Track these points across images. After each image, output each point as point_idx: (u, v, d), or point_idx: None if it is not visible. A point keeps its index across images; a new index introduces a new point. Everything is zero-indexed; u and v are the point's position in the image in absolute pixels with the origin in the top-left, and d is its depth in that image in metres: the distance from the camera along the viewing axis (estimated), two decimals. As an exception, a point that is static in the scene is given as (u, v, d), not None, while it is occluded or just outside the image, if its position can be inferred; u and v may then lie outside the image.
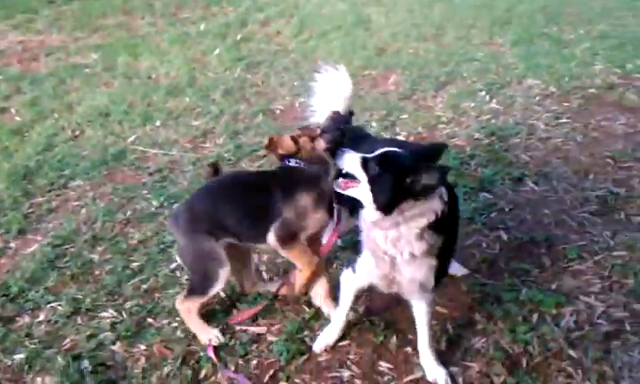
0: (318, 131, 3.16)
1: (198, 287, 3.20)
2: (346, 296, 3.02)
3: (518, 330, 3.03)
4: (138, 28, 7.59)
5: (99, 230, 4.15)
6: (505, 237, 3.83)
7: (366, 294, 3.27)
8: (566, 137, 5.13)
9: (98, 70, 6.55)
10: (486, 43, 7.55)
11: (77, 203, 4.50)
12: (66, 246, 4.00)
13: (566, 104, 5.79)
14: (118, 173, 4.91)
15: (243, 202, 3.17)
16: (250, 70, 6.73)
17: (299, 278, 3.22)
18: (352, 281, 2.93)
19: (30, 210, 4.43)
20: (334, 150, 2.84)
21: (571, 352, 2.89)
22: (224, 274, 3.13)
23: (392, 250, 2.57)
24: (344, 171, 2.61)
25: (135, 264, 3.79)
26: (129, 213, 4.34)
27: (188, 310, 3.22)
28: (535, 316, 3.13)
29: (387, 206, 2.49)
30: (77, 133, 5.47)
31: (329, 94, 3.65)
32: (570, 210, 4.06)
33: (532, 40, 7.55)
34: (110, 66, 6.63)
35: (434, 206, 2.48)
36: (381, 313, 3.24)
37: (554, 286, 3.36)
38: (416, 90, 6.24)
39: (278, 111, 5.90)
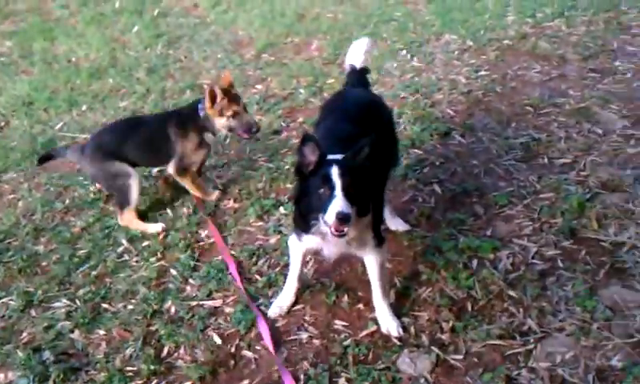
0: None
1: (122, 200, 3.94)
2: (295, 260, 3.16)
3: (461, 277, 3.24)
4: (50, 11, 7.35)
5: (40, 221, 4.13)
6: (438, 190, 4.04)
7: (314, 258, 3.42)
8: (486, 88, 5.37)
9: (14, 57, 6.34)
10: (402, 2, 7.69)
11: (12, 196, 4.45)
12: (8, 240, 3.98)
13: (483, 57, 6.03)
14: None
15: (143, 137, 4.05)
16: (172, 45, 6.68)
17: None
18: (299, 246, 3.04)
19: (-36, 208, 4.34)
20: None
21: (511, 292, 3.11)
22: (135, 182, 3.94)
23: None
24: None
25: (82, 251, 3.82)
26: (67, 201, 4.33)
27: (129, 220, 3.95)
28: (475, 262, 3.35)
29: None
30: (2, 124, 5.34)
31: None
32: (497, 159, 4.30)
33: (446, -5, 7.76)
34: (26, 52, 6.43)
35: None
36: (330, 274, 3.39)
37: (488, 232, 3.59)
38: (339, 53, 6.33)
39: (205, 85, 5.87)
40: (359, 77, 3.66)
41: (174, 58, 6.38)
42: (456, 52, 6.18)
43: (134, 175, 3.97)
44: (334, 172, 2.52)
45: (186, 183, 4.13)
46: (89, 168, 4.06)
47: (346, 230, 2.52)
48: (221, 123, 4.01)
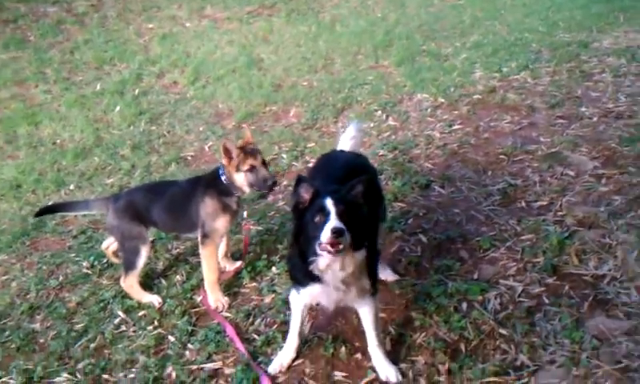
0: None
1: (130, 263, 3.95)
2: (296, 315, 3.25)
3: (452, 320, 3.35)
4: (33, 97, 7.49)
5: (34, 300, 4.16)
6: (424, 239, 4.19)
7: (311, 312, 3.51)
8: (460, 141, 5.59)
9: (0, 143, 6.44)
10: (373, 67, 7.99)
11: (5, 277, 4.47)
12: (4, 321, 3.99)
13: (455, 112, 6.28)
14: (41, 241, 4.90)
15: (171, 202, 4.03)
16: (154, 121, 6.83)
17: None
18: (299, 299, 3.15)
19: (-41, 292, 4.37)
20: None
21: (502, 330, 3.24)
22: (146, 250, 3.97)
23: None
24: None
25: (79, 326, 3.85)
26: (61, 278, 4.37)
27: (130, 285, 3.97)
28: (465, 304, 3.48)
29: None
30: (-9, 208, 5.40)
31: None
32: (477, 206, 4.48)
33: (414, 58, 8.06)
34: (11, 138, 6.53)
35: None
36: (326, 328, 3.48)
37: (475, 276, 3.73)
38: (317, 118, 6.55)
39: (189, 157, 6.04)
40: None
41: (158, 134, 6.54)
42: (429, 109, 6.43)
43: (147, 243, 4.01)
44: (328, 201, 2.70)
45: (204, 255, 3.92)
46: (111, 220, 4.03)
47: (341, 246, 2.63)
48: (239, 180, 3.85)
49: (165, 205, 4.02)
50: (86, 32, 9.45)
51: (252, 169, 3.82)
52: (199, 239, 3.93)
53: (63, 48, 8.89)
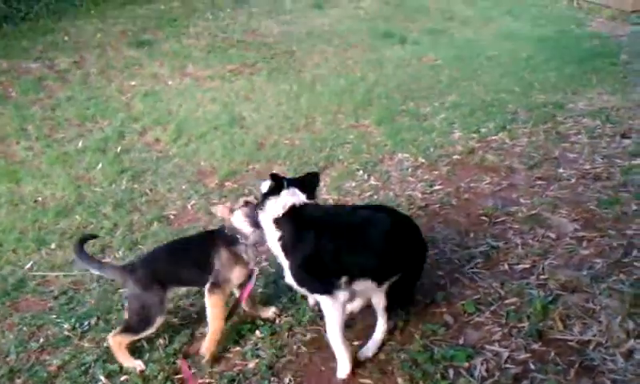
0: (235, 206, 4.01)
1: (134, 327, 3.90)
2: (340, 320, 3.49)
3: (439, 387, 3.36)
4: (14, 154, 7.46)
5: (14, 363, 4.08)
6: (409, 302, 4.20)
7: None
8: (442, 202, 5.66)
9: (-20, 201, 6.39)
10: (353, 126, 8.09)
11: (-15, 340, 4.39)
12: (-18, 385, 3.91)
13: (435, 172, 6.37)
14: (21, 302, 4.82)
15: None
16: (136, 179, 6.82)
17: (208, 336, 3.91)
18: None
19: (-64, 356, 4.27)
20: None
21: (489, 398, 3.25)
22: (160, 320, 3.93)
23: None
24: None
25: (59, 390, 3.79)
26: (42, 340, 4.28)
27: (119, 343, 3.88)
28: (451, 371, 3.50)
29: None
30: (-29, 268, 5.32)
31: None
32: (460, 268, 4.52)
33: (394, 118, 8.19)
34: (-9, 195, 6.50)
35: None
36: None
37: (461, 341, 3.75)
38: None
39: (171, 216, 6.03)
40: None
41: (140, 192, 6.52)
42: (409, 169, 6.51)
43: (164, 312, 3.97)
44: None
45: (210, 305, 3.91)
46: (132, 290, 3.95)
47: None
48: (237, 221, 3.93)
49: (187, 263, 4.06)
50: (68, 89, 9.48)
51: (246, 204, 3.94)
52: (207, 287, 3.93)
53: (45, 105, 8.91)
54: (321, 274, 3.43)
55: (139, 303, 3.91)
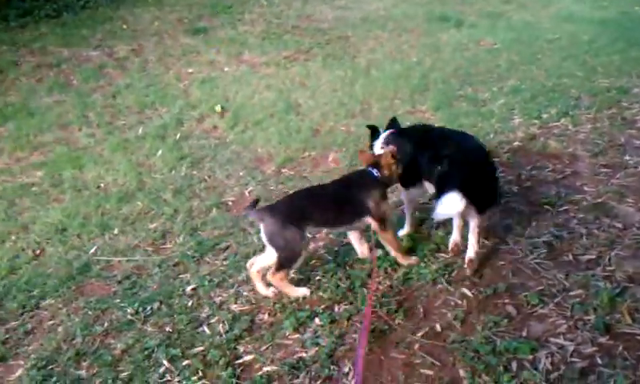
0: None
1: (285, 263, 4.27)
2: None
3: (502, 380, 3.31)
4: (77, 140, 7.66)
5: (80, 346, 4.20)
6: (469, 293, 4.13)
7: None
8: (502, 190, 5.54)
9: (45, 187, 6.57)
10: (410, 112, 7.99)
11: (52, 322, 4.53)
12: (51, 367, 4.03)
13: (496, 159, 6.24)
14: (86, 286, 4.97)
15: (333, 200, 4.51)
16: (195, 166, 6.93)
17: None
18: None
19: (7, 336, 4.42)
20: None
21: (554, 392, 3.18)
22: (305, 252, 4.36)
23: None
24: None
25: (124, 374, 3.87)
26: (106, 324, 4.40)
27: (280, 279, 4.30)
28: (514, 364, 3.42)
29: None
30: (38, 252, 5.49)
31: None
32: (523, 259, 4.42)
33: (451, 103, 8.06)
34: (56, 181, 6.67)
35: None
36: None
37: (524, 333, 3.67)
38: (355, 164, 6.55)
39: (230, 202, 6.10)
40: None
41: (199, 178, 6.62)
42: (469, 156, 6.39)
43: (307, 244, 4.48)
44: None
45: (388, 240, 4.54)
46: (272, 229, 4.28)
47: None
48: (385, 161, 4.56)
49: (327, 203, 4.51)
50: (127, 76, 9.67)
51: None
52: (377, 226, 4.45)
53: (105, 92, 9.11)
54: None
55: (283, 240, 4.25)
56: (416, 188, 4.81)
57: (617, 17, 11.56)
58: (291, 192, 5.25)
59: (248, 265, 4.54)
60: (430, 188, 4.61)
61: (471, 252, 4.33)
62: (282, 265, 4.27)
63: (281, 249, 4.25)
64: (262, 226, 4.30)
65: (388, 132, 5.16)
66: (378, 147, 4.98)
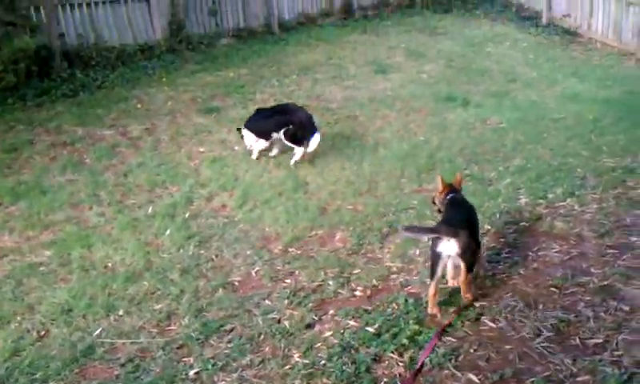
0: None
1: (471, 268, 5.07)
2: None
3: None
4: (87, 219, 7.74)
5: (80, 435, 4.16)
6: (476, 379, 4.10)
7: None
8: (509, 271, 5.55)
9: (53, 266, 6.59)
10: (417, 190, 8.06)
11: (54, 407, 4.50)
12: None
13: (502, 239, 6.26)
14: (89, 368, 4.93)
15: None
16: (203, 245, 6.96)
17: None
18: None
19: (8, 421, 4.40)
20: None
21: None
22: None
23: None
24: None
25: None
26: (110, 408, 4.38)
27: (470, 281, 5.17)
28: None
29: None
30: (42, 333, 5.47)
31: None
32: (529, 342, 4.39)
33: (458, 182, 8.11)
34: (64, 261, 6.70)
35: None
36: None
37: (532, 421, 3.61)
38: (363, 244, 6.60)
39: (236, 282, 6.10)
40: None
41: (206, 258, 6.64)
42: (475, 237, 6.40)
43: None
44: None
45: None
46: (465, 243, 4.90)
47: None
48: None
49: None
50: (139, 155, 9.82)
51: None
52: None
53: (117, 170, 9.25)
54: None
55: (472, 252, 5.03)
56: None
57: (621, 96, 11.71)
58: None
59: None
60: None
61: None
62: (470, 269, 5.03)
63: (470, 264, 5.00)
64: (454, 241, 4.83)
65: None
66: None
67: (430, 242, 5.10)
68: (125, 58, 14.51)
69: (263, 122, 9.34)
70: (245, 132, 9.40)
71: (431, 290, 4.98)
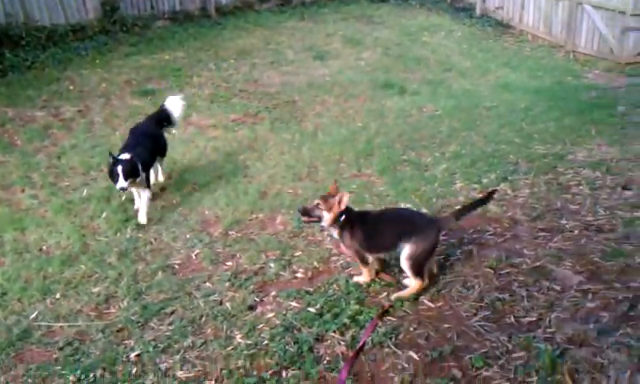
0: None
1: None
2: None
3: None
4: (19, 202, 7.50)
5: (19, 415, 4.06)
6: (415, 356, 4.18)
7: None
8: (446, 253, 5.67)
9: (-15, 250, 6.40)
10: (356, 175, 8.16)
11: (-11, 391, 4.37)
12: (-12, 438, 3.88)
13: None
14: (26, 352, 4.81)
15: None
16: (141, 228, 6.86)
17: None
18: None
19: (-59, 407, 4.25)
20: None
21: None
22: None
23: None
24: None
25: (64, 445, 3.76)
26: (46, 392, 4.28)
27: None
28: (461, 427, 3.47)
29: None
30: (-24, 318, 5.31)
31: None
32: (466, 321, 4.52)
33: (396, 167, 8.26)
34: (-3, 244, 6.51)
35: None
36: None
37: (470, 396, 3.74)
38: (303, 227, 6.63)
39: (176, 265, 6.04)
40: None
41: (144, 241, 6.55)
42: (414, 220, 6.53)
43: None
44: None
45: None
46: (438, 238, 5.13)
47: None
48: None
49: None
50: (72, 137, 9.58)
51: None
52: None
53: (50, 153, 8.99)
54: None
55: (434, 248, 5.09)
56: None
57: (551, 86, 12.15)
58: None
59: None
60: None
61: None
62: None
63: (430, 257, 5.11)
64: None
65: None
66: None
67: None
68: (56, 38, 14.05)
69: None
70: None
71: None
